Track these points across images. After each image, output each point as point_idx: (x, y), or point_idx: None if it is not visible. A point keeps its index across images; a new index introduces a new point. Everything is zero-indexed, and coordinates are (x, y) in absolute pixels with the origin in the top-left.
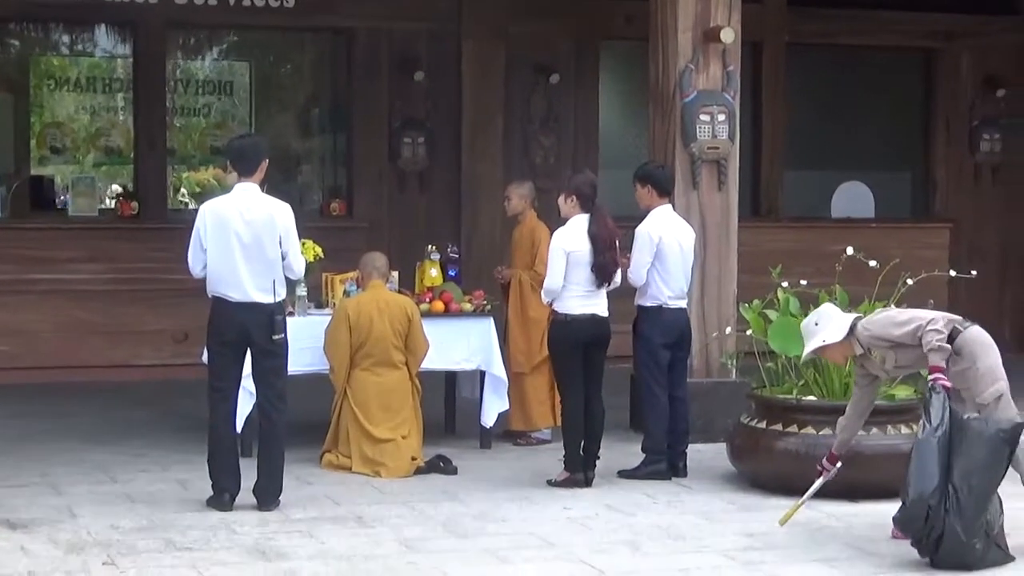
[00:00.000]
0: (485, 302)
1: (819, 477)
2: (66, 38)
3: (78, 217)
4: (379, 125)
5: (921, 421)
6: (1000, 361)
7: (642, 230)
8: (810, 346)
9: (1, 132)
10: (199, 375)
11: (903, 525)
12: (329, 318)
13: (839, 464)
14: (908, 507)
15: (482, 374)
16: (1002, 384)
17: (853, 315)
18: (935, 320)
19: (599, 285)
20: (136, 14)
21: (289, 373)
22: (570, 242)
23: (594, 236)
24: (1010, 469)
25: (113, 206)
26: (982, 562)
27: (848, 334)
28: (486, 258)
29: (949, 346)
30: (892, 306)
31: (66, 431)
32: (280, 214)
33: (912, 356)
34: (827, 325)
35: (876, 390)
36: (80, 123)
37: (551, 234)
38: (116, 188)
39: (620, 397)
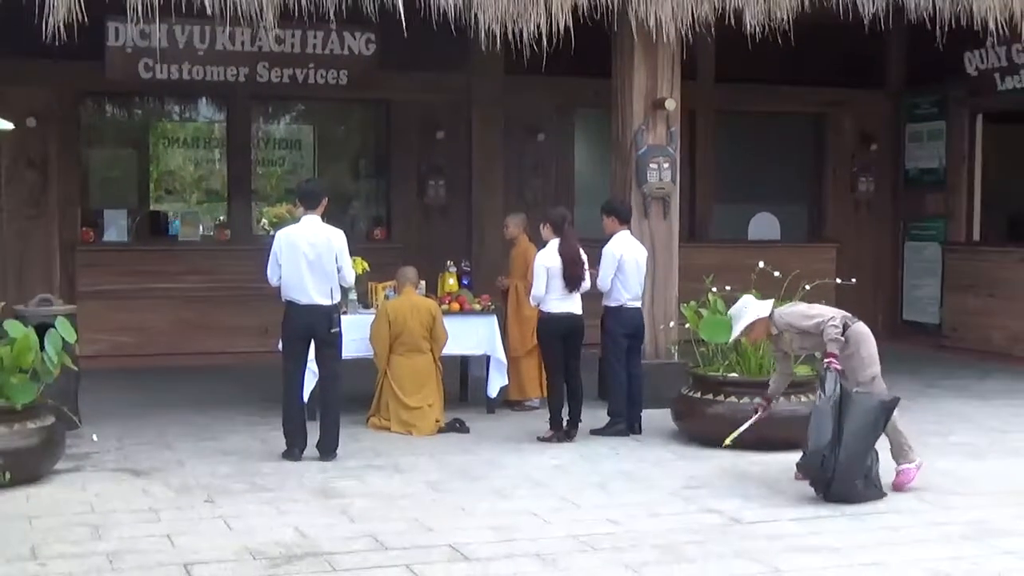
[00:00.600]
0: (490, 304)
1: (755, 414)
2: (177, 108)
3: (185, 242)
4: (410, 171)
5: (818, 392)
6: (876, 350)
7: (607, 249)
8: (741, 323)
9: (128, 178)
10: (276, 360)
11: (804, 470)
12: (373, 316)
13: (770, 404)
14: (808, 456)
15: (487, 358)
16: (876, 368)
17: (771, 302)
18: (834, 318)
19: (571, 290)
20: (229, 89)
21: (343, 357)
22: (548, 260)
23: (563, 254)
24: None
25: (212, 233)
26: (862, 497)
27: (769, 315)
28: (491, 271)
29: (843, 338)
30: (800, 303)
31: (176, 402)
32: (336, 238)
33: (813, 342)
34: (754, 306)
35: (790, 362)
36: (187, 171)
37: (536, 253)
38: (215, 219)
39: (590, 374)
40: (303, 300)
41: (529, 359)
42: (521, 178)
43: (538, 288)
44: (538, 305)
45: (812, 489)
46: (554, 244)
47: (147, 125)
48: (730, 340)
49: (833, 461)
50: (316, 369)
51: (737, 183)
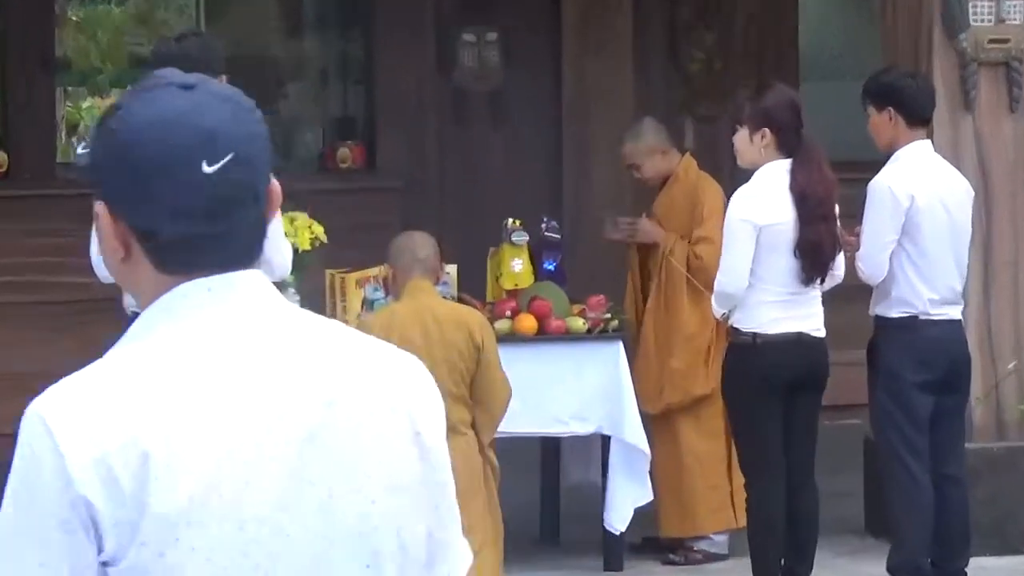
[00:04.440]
0: (608, 314)
1: None
2: None
3: None
4: (418, 12)
5: None
6: None
7: (880, 185)
8: None
9: None
10: None
11: None
12: None
13: None
14: None
15: (605, 441)
16: None
17: None
18: None
19: (809, 281)
20: None
21: None
22: (760, 209)
23: (801, 194)
24: None
25: None
26: None
27: None
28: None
29: None
30: None
31: None
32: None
33: None
34: None
35: None
36: None
37: (724, 195)
38: None
39: (846, 476)
40: None
41: (706, 441)
42: (675, 27)
43: (734, 274)
44: (726, 316)
45: None
46: (773, 174)
47: None
48: None
49: None
50: None
51: None
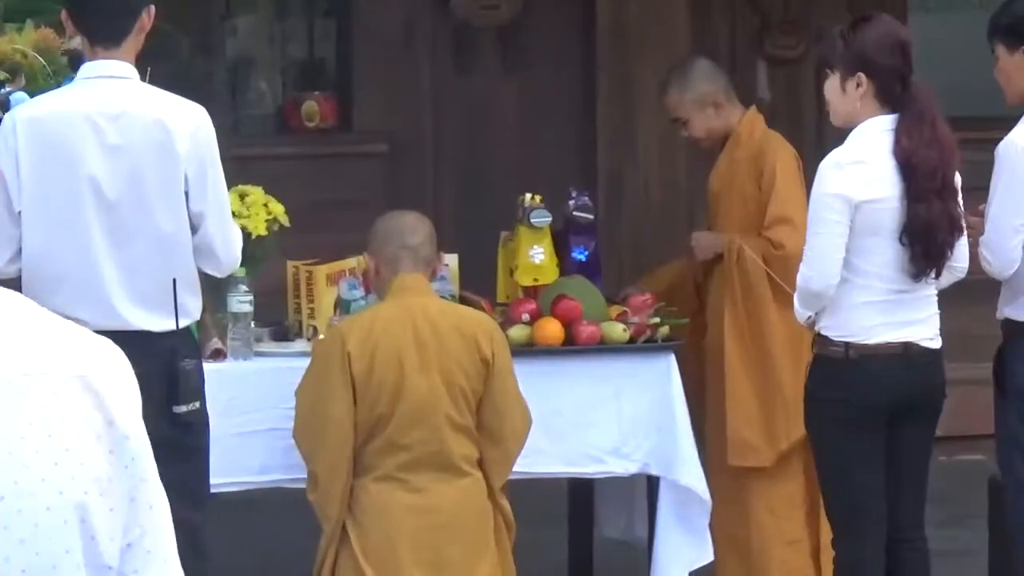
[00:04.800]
0: (657, 318)
1: None
2: None
3: None
4: None
5: None
6: None
7: (1013, 148)
8: None
9: None
10: None
11: None
12: (305, 364)
13: None
14: None
15: (653, 483)
16: None
17: None
18: None
19: (920, 275)
20: None
21: (215, 489)
22: (857, 182)
23: (908, 162)
24: None
25: None
26: None
27: None
28: (655, 223)
29: None
30: None
31: None
32: (187, 129)
33: None
34: None
35: None
36: None
37: (798, 163)
38: None
39: (967, 527)
40: (91, 319)
41: (782, 485)
42: None
43: (822, 265)
44: (813, 322)
45: None
46: (872, 135)
47: None
48: None
49: None
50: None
51: None
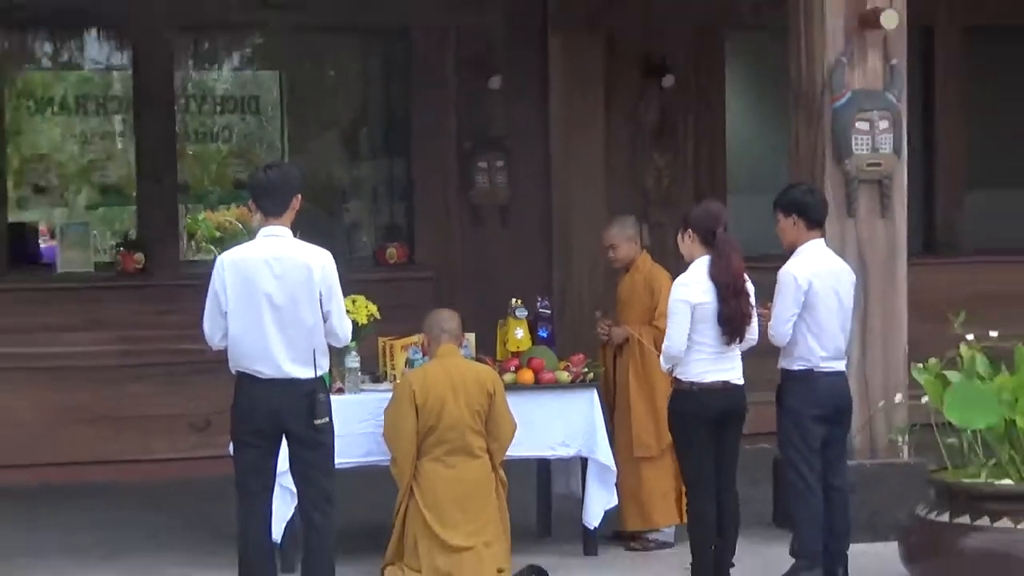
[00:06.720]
0: (586, 369)
1: None
2: (48, 47)
3: (69, 275)
4: (445, 147)
5: None
6: None
7: (787, 273)
8: None
9: None
10: (226, 471)
11: None
12: (389, 396)
13: None
14: None
15: (584, 461)
16: None
17: None
18: None
19: (729, 342)
20: (135, 14)
21: (338, 466)
22: (693, 291)
23: (719, 281)
24: None
25: (112, 259)
26: None
27: None
28: (585, 313)
29: None
30: None
31: (55, 547)
32: (319, 265)
33: None
34: None
35: None
36: (68, 154)
37: (672, 280)
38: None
39: (759, 487)
40: (266, 372)
41: (657, 463)
42: (636, 151)
43: (675, 341)
44: (672, 371)
45: None
46: (701, 266)
47: None
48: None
49: None
50: (293, 487)
51: (1008, 155)
